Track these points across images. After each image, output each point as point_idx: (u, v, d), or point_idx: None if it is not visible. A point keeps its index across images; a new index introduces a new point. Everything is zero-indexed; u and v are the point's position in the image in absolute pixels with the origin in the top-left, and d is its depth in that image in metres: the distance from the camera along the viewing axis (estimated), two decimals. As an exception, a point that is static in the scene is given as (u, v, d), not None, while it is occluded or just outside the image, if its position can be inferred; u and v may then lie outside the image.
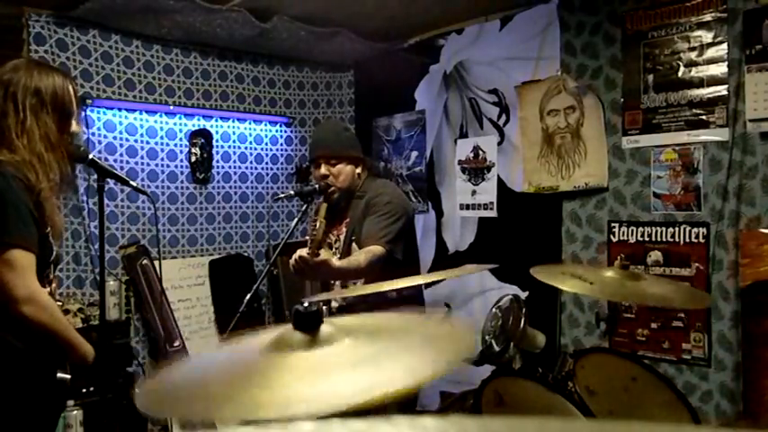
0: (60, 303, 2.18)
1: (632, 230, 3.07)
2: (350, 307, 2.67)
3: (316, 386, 0.82)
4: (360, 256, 2.52)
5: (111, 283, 3.49)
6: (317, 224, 2.33)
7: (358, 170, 2.78)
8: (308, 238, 2.46)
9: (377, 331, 1.01)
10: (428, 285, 3.50)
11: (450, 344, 0.94)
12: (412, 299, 2.72)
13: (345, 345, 0.91)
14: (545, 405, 1.86)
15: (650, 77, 3.01)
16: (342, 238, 2.76)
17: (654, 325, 2.98)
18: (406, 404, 2.68)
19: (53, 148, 1.93)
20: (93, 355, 1.98)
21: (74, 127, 2.03)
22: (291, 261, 2.41)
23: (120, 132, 3.69)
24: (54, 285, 2.06)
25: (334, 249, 2.78)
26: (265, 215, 4.29)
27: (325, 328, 0.94)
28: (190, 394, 0.89)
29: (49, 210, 1.92)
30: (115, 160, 3.65)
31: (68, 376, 1.94)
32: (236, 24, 3.61)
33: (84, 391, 3.07)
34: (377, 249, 2.52)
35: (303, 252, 2.35)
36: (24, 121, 1.88)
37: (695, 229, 2.87)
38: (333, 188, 2.72)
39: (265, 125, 4.34)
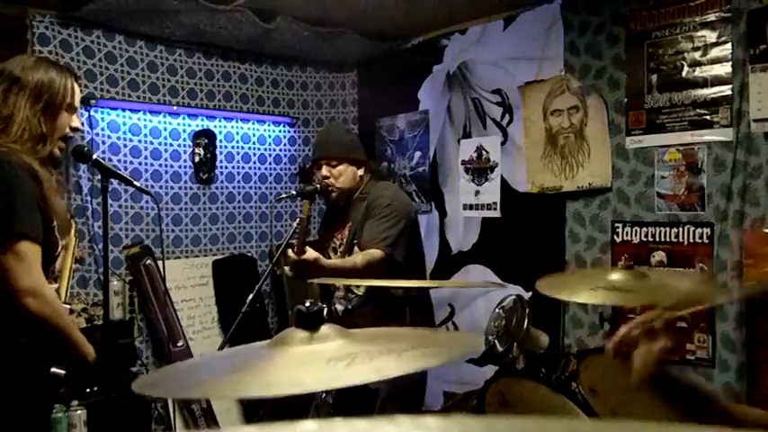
0: (68, 305, 2.18)
1: (636, 231, 3.06)
2: (355, 310, 2.67)
3: (283, 374, 0.87)
4: (357, 258, 2.53)
5: (115, 283, 3.50)
6: (300, 222, 2.37)
7: (360, 172, 2.79)
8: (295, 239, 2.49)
9: (375, 336, 1.04)
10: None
11: (437, 347, 0.97)
12: (417, 299, 2.71)
13: (336, 343, 0.94)
14: (548, 405, 1.86)
15: (654, 77, 3.00)
16: (345, 240, 2.76)
17: (657, 325, 2.96)
18: (411, 404, 2.68)
19: (38, 139, 1.90)
20: (93, 356, 1.96)
21: (69, 121, 2.00)
22: (286, 267, 2.43)
23: (124, 133, 3.70)
24: (57, 285, 2.05)
25: (338, 252, 2.79)
26: (268, 215, 4.29)
27: (324, 329, 0.97)
28: (187, 379, 0.96)
29: (54, 203, 1.91)
30: (119, 160, 3.65)
31: (63, 371, 1.92)
32: (240, 24, 3.61)
33: (87, 390, 3.08)
34: (376, 253, 2.52)
35: (291, 254, 2.37)
36: (12, 112, 1.87)
37: (699, 230, 2.87)
38: (332, 189, 2.74)
39: (269, 125, 4.34)
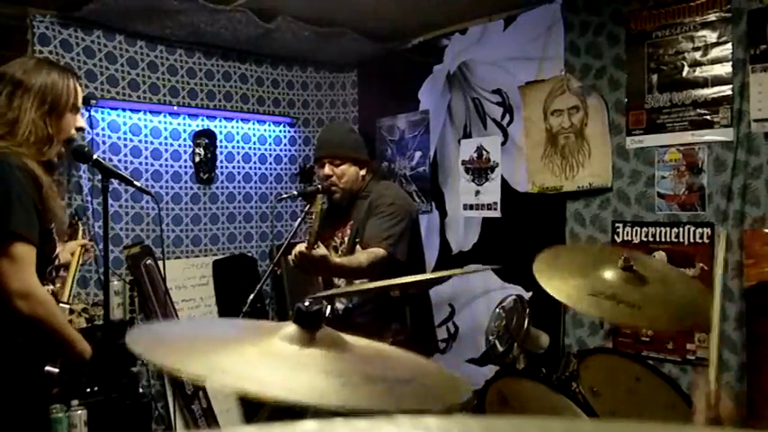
0: (68, 305, 2.18)
1: (636, 231, 3.06)
2: (355, 309, 2.67)
3: (268, 373, 0.87)
4: (361, 256, 2.53)
5: (116, 283, 3.50)
6: (314, 217, 2.36)
7: (362, 172, 2.79)
8: (308, 234, 2.49)
9: (373, 356, 1.03)
10: (432, 285, 3.50)
11: (431, 389, 0.96)
12: (417, 298, 2.72)
13: (334, 355, 0.93)
14: (549, 405, 1.86)
15: (654, 77, 3.00)
16: (346, 239, 2.76)
17: (658, 325, 2.97)
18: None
19: (45, 141, 1.90)
20: (90, 353, 1.95)
21: (74, 122, 2.01)
22: (291, 257, 2.43)
23: (125, 133, 3.70)
24: (59, 285, 2.05)
25: (339, 251, 2.79)
26: (269, 215, 4.30)
27: (323, 333, 0.96)
28: (172, 346, 0.94)
29: (53, 206, 1.91)
30: (119, 160, 3.66)
31: (56, 370, 1.92)
32: (240, 25, 3.61)
33: (88, 390, 3.08)
34: (379, 251, 2.52)
35: (302, 247, 2.37)
36: (18, 115, 1.87)
37: (699, 230, 2.87)
38: (335, 188, 2.73)
39: (269, 125, 4.34)
